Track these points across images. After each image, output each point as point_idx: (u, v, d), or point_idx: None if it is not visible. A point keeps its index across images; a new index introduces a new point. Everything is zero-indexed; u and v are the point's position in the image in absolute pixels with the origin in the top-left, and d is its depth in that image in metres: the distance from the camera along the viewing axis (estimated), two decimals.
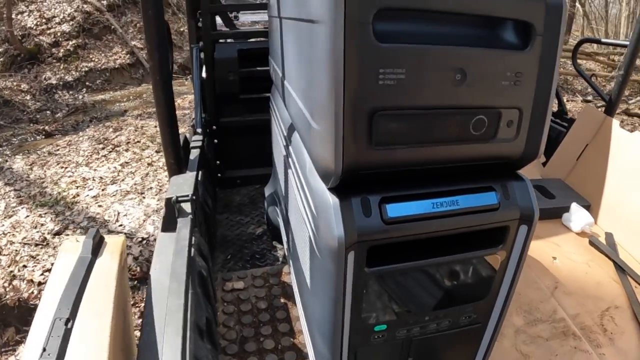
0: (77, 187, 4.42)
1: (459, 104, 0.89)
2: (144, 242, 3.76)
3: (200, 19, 2.50)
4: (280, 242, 2.28)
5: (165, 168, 4.70)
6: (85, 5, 7.55)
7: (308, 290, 1.21)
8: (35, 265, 3.46)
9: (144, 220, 4.02)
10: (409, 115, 0.87)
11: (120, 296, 1.24)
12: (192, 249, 1.49)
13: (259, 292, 1.89)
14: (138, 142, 5.41)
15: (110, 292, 1.17)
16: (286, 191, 1.58)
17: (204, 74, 2.57)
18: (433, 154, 0.94)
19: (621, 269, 2.04)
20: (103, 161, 4.92)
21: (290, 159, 1.36)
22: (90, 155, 5.01)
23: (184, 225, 1.46)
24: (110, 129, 5.69)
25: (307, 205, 1.07)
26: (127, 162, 4.94)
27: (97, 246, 1.33)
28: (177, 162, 1.79)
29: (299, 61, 1.06)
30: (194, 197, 1.56)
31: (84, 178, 4.56)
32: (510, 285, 1.13)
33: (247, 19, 3.85)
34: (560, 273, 2.00)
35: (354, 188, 0.94)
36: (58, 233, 3.86)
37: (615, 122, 2.50)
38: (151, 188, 4.50)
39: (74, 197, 4.27)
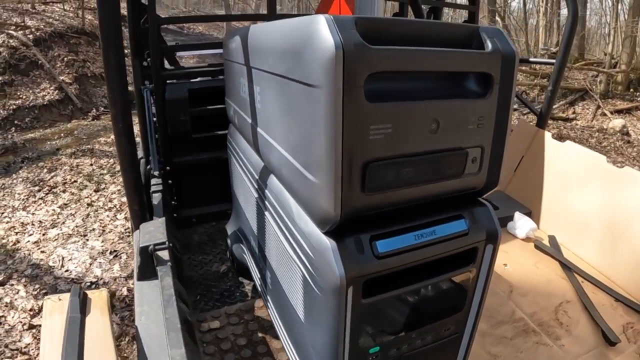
0: (16, 233, 4.18)
1: (434, 149, 1.04)
2: (93, 286, 3.62)
3: (148, 59, 2.49)
4: (247, 278, 2.30)
5: (106, 208, 4.59)
6: (11, 40, 7.19)
7: (302, 324, 1.27)
8: None
9: (91, 264, 3.88)
10: (396, 163, 1.00)
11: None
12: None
13: (236, 329, 1.90)
14: (75, 182, 5.21)
15: (111, 350, 1.20)
16: (259, 231, 1.63)
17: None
18: (414, 193, 1.08)
19: (567, 266, 2.25)
20: (41, 204, 4.69)
21: (267, 202, 1.43)
22: (27, 199, 4.75)
23: (165, 274, 1.46)
24: (45, 170, 5.43)
25: (299, 248, 1.16)
26: (65, 204, 4.74)
27: (83, 303, 1.34)
28: (141, 209, 1.78)
29: (284, 115, 1.17)
30: (170, 245, 1.56)
31: (22, 223, 4.33)
32: (481, 297, 1.27)
33: (185, 54, 3.86)
34: (513, 277, 2.18)
35: (347, 230, 1.05)
36: (2, 283, 3.63)
37: (547, 134, 2.77)
38: (94, 229, 4.35)
39: (14, 244, 4.04)
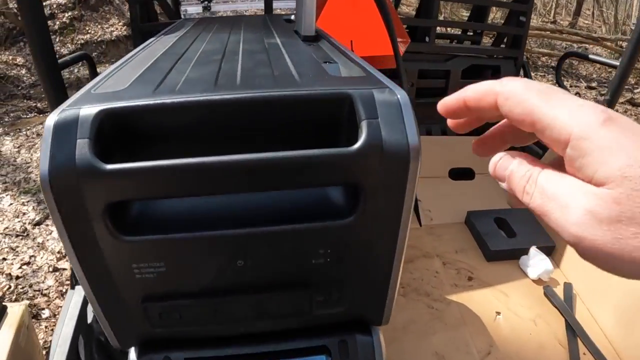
0: None
1: (245, 288, 0.73)
2: None
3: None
4: None
5: None
6: None
7: None
8: (15, 258, 3.51)
9: None
10: (185, 304, 0.73)
11: None
12: (91, 315, 1.48)
13: None
14: None
15: None
16: None
17: None
18: (231, 329, 0.81)
19: (572, 328, 1.90)
20: None
21: None
22: None
23: (77, 292, 1.44)
24: None
25: None
26: None
27: None
28: None
29: None
30: None
31: None
32: None
33: (220, 8, 3.62)
34: (500, 333, 1.88)
35: (159, 346, 0.84)
36: (38, 223, 3.90)
37: None
38: None
39: None
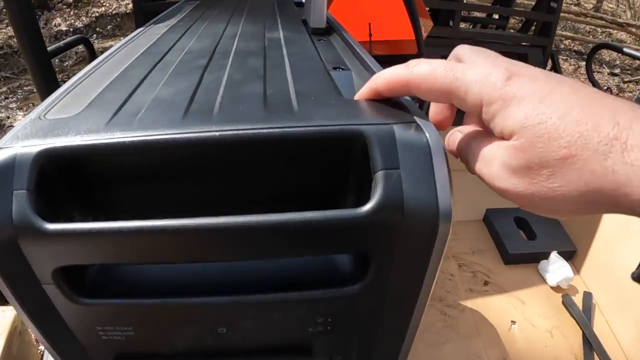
0: None
1: (228, 352, 0.62)
2: None
3: None
4: None
5: None
6: None
7: None
8: None
9: None
10: None
11: None
12: None
13: None
14: None
15: None
16: None
17: None
18: None
19: (589, 342, 1.80)
20: None
21: None
22: None
23: None
24: None
25: None
26: None
27: None
28: None
29: None
30: None
31: None
32: None
33: None
34: (514, 345, 1.79)
35: None
36: None
37: None
38: None
39: None
